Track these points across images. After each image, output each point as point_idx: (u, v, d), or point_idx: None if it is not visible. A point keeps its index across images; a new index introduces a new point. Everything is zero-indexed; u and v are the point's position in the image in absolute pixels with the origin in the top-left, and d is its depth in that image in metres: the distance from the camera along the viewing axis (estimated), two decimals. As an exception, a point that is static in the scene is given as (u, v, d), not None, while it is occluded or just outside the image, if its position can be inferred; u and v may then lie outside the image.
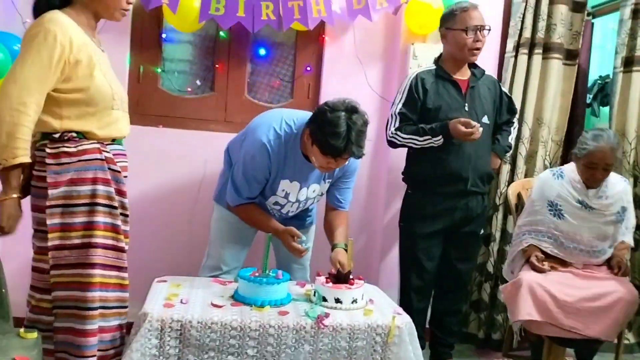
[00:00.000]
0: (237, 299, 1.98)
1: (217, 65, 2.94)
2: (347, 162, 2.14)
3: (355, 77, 2.95)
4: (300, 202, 2.28)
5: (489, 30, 2.47)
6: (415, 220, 2.54)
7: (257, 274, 2.00)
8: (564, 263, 2.62)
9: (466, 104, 2.48)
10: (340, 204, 2.36)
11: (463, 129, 2.29)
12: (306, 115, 2.16)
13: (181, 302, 1.92)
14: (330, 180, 2.29)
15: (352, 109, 2.00)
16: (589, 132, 2.60)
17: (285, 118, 2.18)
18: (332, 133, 1.96)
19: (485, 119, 2.50)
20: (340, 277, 2.03)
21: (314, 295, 2.02)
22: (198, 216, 2.82)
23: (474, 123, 2.30)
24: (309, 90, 3.02)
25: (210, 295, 2.00)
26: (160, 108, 2.89)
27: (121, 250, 1.82)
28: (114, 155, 1.82)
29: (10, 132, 1.60)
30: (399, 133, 2.47)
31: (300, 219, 2.39)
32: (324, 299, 1.97)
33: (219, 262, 2.35)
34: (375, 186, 3.04)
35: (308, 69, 3.00)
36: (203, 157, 2.84)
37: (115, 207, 1.79)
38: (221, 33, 2.87)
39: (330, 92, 2.93)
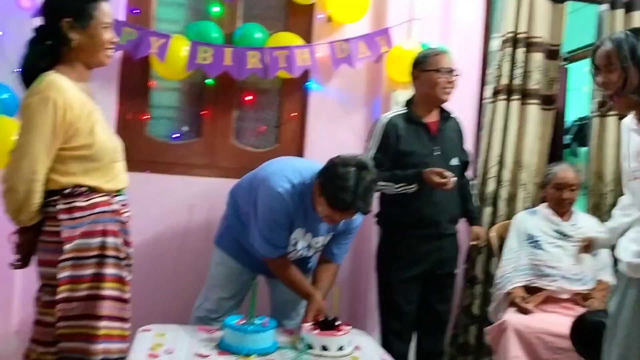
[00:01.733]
0: (222, 347, 1.96)
1: (204, 112, 2.99)
2: (352, 217, 2.17)
3: (339, 123, 3.02)
4: (304, 251, 2.31)
5: (457, 75, 2.56)
6: (391, 265, 2.56)
7: (242, 322, 1.99)
8: (549, 298, 2.66)
9: (437, 148, 2.53)
10: (335, 257, 2.38)
11: (437, 179, 2.35)
12: (317, 165, 2.18)
13: (166, 352, 1.90)
14: (333, 233, 2.32)
15: (362, 165, 2.05)
16: None
17: (298, 167, 2.23)
18: (341, 187, 2.00)
19: (455, 161, 2.56)
20: (327, 324, 2.03)
21: (301, 342, 2.02)
22: (183, 261, 2.81)
23: (447, 173, 2.36)
24: (295, 135, 3.08)
25: (195, 345, 1.99)
26: (147, 154, 2.91)
27: (125, 301, 1.82)
28: (120, 206, 1.84)
29: (26, 199, 1.68)
30: None
31: (300, 265, 2.39)
32: (310, 347, 1.97)
33: (217, 305, 2.35)
34: (360, 230, 3.07)
35: (293, 114, 3.06)
36: (189, 202, 2.85)
37: (122, 259, 1.80)
38: (207, 80, 2.93)
39: (315, 138, 3.02)
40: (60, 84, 1.71)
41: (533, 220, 2.83)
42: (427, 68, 2.53)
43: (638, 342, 1.71)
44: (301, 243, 2.26)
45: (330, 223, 2.19)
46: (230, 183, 2.90)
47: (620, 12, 3.17)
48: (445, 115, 2.62)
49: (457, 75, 2.55)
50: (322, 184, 2.06)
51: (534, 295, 2.69)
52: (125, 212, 1.87)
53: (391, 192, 2.50)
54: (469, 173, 2.79)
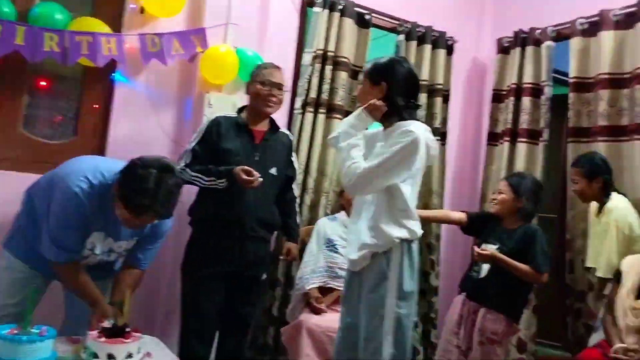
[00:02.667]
0: (-10, 360, 1.73)
1: (-15, 95, 2.63)
2: (156, 222, 2.05)
3: (147, 120, 2.90)
4: (105, 256, 2.14)
5: (284, 90, 2.66)
6: (198, 262, 2.54)
7: (16, 331, 1.78)
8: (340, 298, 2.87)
9: (257, 154, 2.58)
10: (139, 263, 2.22)
11: (244, 176, 2.39)
12: (122, 165, 2.00)
13: None
14: (137, 238, 2.17)
15: (165, 168, 1.91)
16: None
17: (101, 167, 2.02)
18: (139, 190, 1.86)
19: (273, 171, 2.62)
20: (114, 331, 1.91)
21: (84, 351, 1.87)
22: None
23: (255, 173, 2.41)
24: (96, 128, 2.87)
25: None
26: None
27: None
28: None
29: None
30: (187, 170, 2.49)
31: (102, 271, 2.21)
32: (96, 356, 1.84)
33: (2, 313, 2.06)
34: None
35: (96, 106, 2.85)
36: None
37: None
38: (-6, 59, 2.59)
39: (119, 133, 2.85)
40: None
41: (333, 226, 3.04)
42: (255, 79, 2.62)
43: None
44: (100, 247, 2.10)
45: (131, 228, 2.08)
46: (15, 176, 2.61)
47: (413, 43, 3.59)
48: (274, 128, 2.69)
49: (283, 89, 2.64)
50: (121, 185, 1.93)
51: (328, 295, 2.88)
52: None
53: (201, 185, 2.49)
54: (294, 190, 2.84)
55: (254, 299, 2.74)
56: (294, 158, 2.81)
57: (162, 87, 2.94)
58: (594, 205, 2.85)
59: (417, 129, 1.96)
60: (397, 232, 1.98)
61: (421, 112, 3.61)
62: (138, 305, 2.87)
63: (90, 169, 2.02)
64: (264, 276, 2.75)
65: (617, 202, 2.71)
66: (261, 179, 2.43)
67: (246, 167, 2.42)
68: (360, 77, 2.87)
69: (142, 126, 2.87)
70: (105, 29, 2.68)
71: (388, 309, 1.94)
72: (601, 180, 2.76)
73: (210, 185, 2.48)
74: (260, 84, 2.59)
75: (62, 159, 2.73)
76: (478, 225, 2.80)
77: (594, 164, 2.80)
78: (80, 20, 2.65)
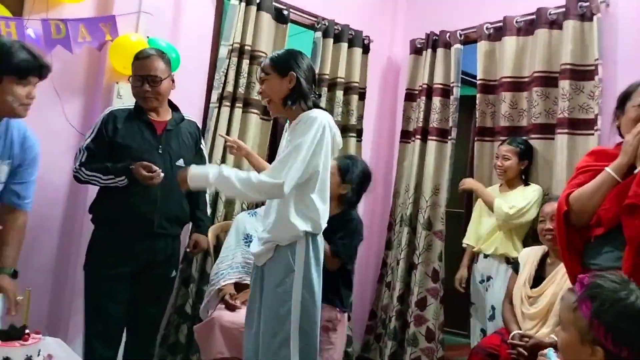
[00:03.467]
0: None
1: None
2: (25, 144, 1.99)
3: (51, 110, 2.74)
4: None
5: (159, 80, 2.44)
6: (100, 261, 2.42)
7: None
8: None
9: (160, 146, 2.47)
10: (21, 201, 2.06)
11: (144, 172, 2.30)
12: None
13: None
14: (9, 164, 2.00)
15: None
16: None
17: None
18: (13, 52, 1.82)
19: (180, 162, 2.50)
20: (12, 333, 1.80)
21: (-24, 356, 1.75)
22: None
23: (155, 168, 2.31)
24: (-7, 118, 2.67)
25: None
26: None
27: None
28: None
29: None
30: (82, 169, 2.38)
31: None
32: (-11, 360, 1.72)
33: None
34: (68, 226, 2.84)
35: (-7, 94, 2.65)
36: None
37: None
38: None
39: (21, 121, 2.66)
40: None
41: (252, 221, 2.98)
42: (132, 72, 2.48)
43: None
44: None
45: (26, 108, 1.93)
46: None
47: (329, 41, 3.64)
48: (177, 117, 2.56)
49: (160, 81, 2.45)
50: None
51: (242, 292, 2.86)
52: None
53: (100, 184, 2.39)
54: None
55: (163, 298, 2.65)
56: (202, 146, 2.71)
57: (68, 76, 2.80)
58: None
59: (321, 115, 1.99)
60: (302, 225, 1.98)
61: (337, 109, 3.68)
62: (42, 305, 2.74)
63: None
64: (174, 273, 2.66)
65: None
66: (162, 175, 2.33)
67: (145, 163, 2.31)
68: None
69: (46, 116, 2.70)
70: (5, 12, 2.51)
71: (294, 302, 1.95)
72: (527, 163, 3.04)
73: (110, 184, 2.37)
74: (132, 78, 2.47)
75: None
76: None
77: (528, 146, 3.06)
78: (-25, 2, 2.47)
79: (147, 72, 2.44)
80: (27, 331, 1.85)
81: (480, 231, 3.12)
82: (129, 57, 2.74)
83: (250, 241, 2.93)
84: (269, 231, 2.04)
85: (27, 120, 2.63)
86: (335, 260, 2.44)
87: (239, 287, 2.89)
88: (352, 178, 2.52)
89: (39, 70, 1.89)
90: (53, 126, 2.73)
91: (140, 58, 2.46)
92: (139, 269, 2.46)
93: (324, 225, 2.07)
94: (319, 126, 1.95)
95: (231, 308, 2.72)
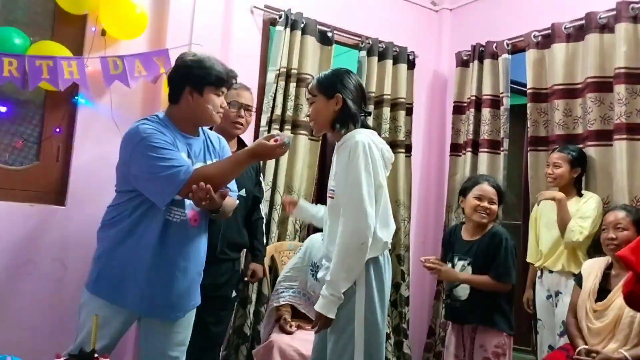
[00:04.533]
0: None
1: (-58, 121, 2.59)
2: (223, 143, 2.20)
3: (111, 142, 2.85)
4: None
5: (252, 111, 2.63)
6: None
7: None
8: (311, 321, 2.86)
9: None
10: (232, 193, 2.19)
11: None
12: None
13: None
14: (210, 161, 2.13)
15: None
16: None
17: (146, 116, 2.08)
18: (211, 66, 2.00)
19: (242, 192, 2.58)
20: (81, 357, 1.88)
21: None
22: None
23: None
24: (59, 152, 2.83)
25: None
26: None
27: None
28: None
29: None
30: None
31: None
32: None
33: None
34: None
35: (58, 130, 2.82)
36: None
37: None
38: (-49, 85, 2.56)
39: (83, 155, 2.83)
40: None
41: (321, 248, 2.92)
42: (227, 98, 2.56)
43: None
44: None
45: (216, 117, 2.06)
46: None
47: (374, 59, 3.66)
48: (243, 148, 2.65)
49: (251, 112, 2.61)
50: (194, 78, 2.00)
51: (299, 319, 2.86)
52: None
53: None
54: (261, 211, 2.84)
55: (225, 318, 2.73)
56: (261, 178, 2.81)
57: (126, 109, 2.92)
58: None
59: (361, 136, 1.95)
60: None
61: (385, 126, 3.69)
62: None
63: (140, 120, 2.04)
64: (234, 294, 2.73)
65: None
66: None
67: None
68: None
69: (106, 149, 2.83)
70: (66, 52, 2.67)
71: (357, 325, 1.92)
72: (580, 171, 2.92)
73: None
74: (228, 104, 2.52)
75: (23, 184, 2.74)
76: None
77: (581, 153, 2.95)
78: (40, 45, 2.64)
79: (244, 101, 2.57)
80: (95, 355, 1.94)
81: (541, 246, 2.99)
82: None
83: (317, 272, 2.91)
84: (330, 256, 1.97)
85: (88, 151, 2.82)
86: (501, 285, 2.53)
87: (296, 311, 2.91)
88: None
89: (229, 81, 2.07)
90: (114, 158, 2.84)
91: (239, 87, 2.56)
92: (203, 291, 2.53)
93: (389, 245, 2.03)
94: (363, 149, 1.92)
95: (286, 332, 2.75)
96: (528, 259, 3.09)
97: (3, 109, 2.70)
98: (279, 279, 2.97)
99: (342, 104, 2.01)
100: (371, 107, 3.63)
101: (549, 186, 3.02)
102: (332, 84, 2.03)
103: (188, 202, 1.98)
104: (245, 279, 2.87)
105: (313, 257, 2.91)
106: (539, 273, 3.01)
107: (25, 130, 2.79)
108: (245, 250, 2.87)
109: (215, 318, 2.63)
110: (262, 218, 2.86)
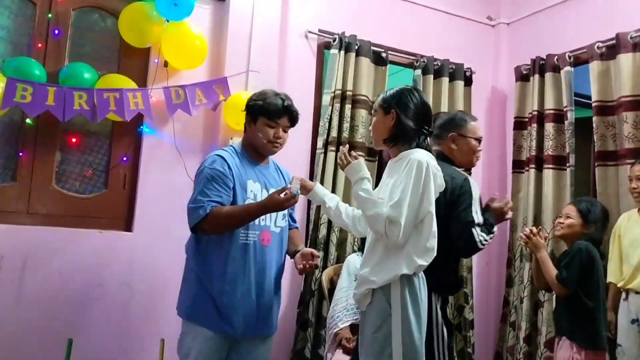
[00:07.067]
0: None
1: (21, 154, 2.74)
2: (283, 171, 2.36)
3: (174, 168, 2.97)
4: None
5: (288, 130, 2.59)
6: None
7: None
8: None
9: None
10: (294, 223, 2.46)
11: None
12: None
13: None
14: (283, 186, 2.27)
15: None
16: None
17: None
18: (267, 98, 2.19)
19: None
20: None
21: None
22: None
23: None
24: (126, 180, 2.95)
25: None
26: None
27: None
28: None
29: None
30: None
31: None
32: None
33: None
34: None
35: (124, 159, 2.94)
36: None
37: None
38: (28, 120, 2.72)
39: (148, 183, 2.93)
40: None
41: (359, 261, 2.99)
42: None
43: None
44: (260, 197, 2.19)
45: (274, 146, 2.23)
46: (48, 231, 2.69)
47: (429, 77, 3.62)
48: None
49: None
50: (253, 109, 2.21)
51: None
52: None
53: None
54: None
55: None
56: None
57: (188, 136, 3.02)
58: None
59: (422, 156, 1.92)
60: (404, 269, 1.88)
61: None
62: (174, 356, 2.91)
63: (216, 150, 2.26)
64: None
65: None
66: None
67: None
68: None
69: (171, 175, 2.94)
70: (131, 84, 2.80)
71: (395, 346, 1.86)
72: None
73: None
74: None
75: (93, 212, 2.86)
76: None
77: None
78: (107, 78, 2.77)
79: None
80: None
81: (626, 266, 2.77)
82: (240, 115, 2.92)
83: None
84: (365, 274, 1.96)
85: (153, 178, 2.92)
86: (559, 286, 2.57)
87: (356, 328, 2.88)
88: (595, 218, 2.68)
89: (284, 115, 2.21)
90: (177, 184, 2.94)
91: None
92: None
93: (424, 263, 1.94)
94: (421, 167, 1.88)
95: (349, 352, 2.71)
96: (609, 279, 2.86)
97: (74, 141, 2.85)
98: (331, 304, 2.95)
99: (395, 120, 2.00)
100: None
101: (636, 201, 2.82)
102: (390, 100, 2.04)
103: (259, 223, 2.15)
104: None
105: (355, 271, 2.88)
106: (623, 295, 2.78)
107: (94, 160, 2.93)
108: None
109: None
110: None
